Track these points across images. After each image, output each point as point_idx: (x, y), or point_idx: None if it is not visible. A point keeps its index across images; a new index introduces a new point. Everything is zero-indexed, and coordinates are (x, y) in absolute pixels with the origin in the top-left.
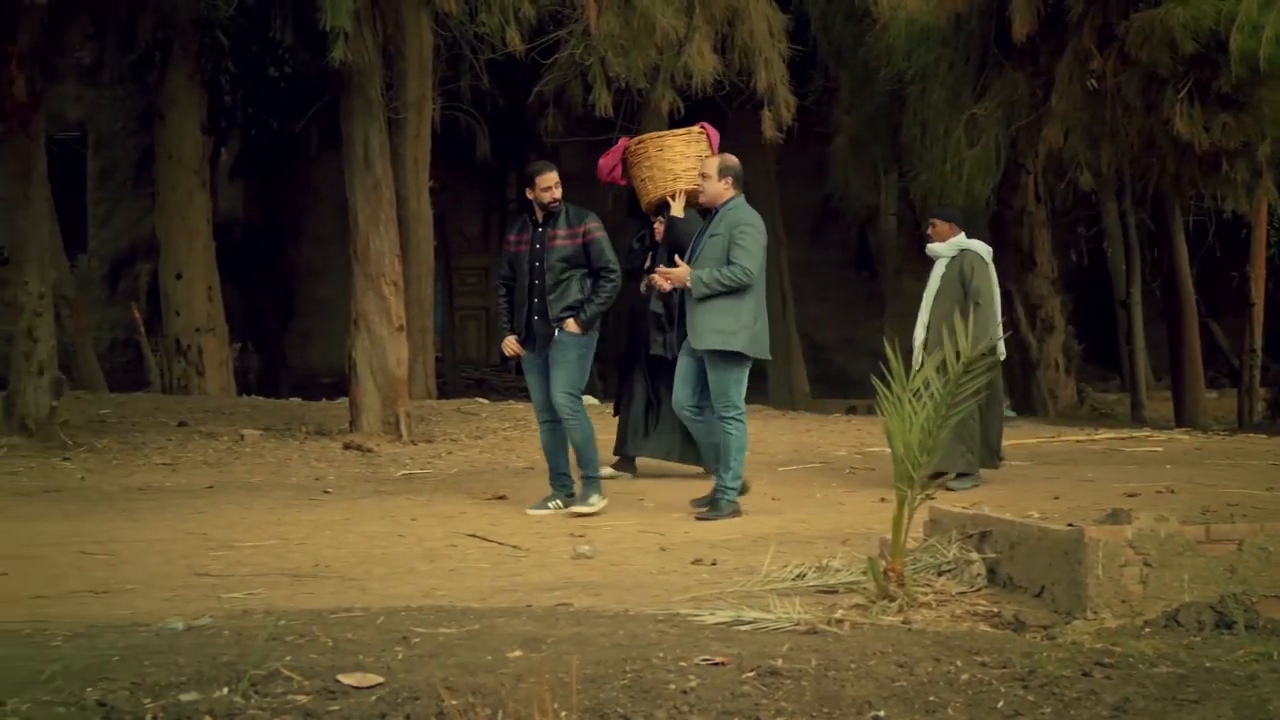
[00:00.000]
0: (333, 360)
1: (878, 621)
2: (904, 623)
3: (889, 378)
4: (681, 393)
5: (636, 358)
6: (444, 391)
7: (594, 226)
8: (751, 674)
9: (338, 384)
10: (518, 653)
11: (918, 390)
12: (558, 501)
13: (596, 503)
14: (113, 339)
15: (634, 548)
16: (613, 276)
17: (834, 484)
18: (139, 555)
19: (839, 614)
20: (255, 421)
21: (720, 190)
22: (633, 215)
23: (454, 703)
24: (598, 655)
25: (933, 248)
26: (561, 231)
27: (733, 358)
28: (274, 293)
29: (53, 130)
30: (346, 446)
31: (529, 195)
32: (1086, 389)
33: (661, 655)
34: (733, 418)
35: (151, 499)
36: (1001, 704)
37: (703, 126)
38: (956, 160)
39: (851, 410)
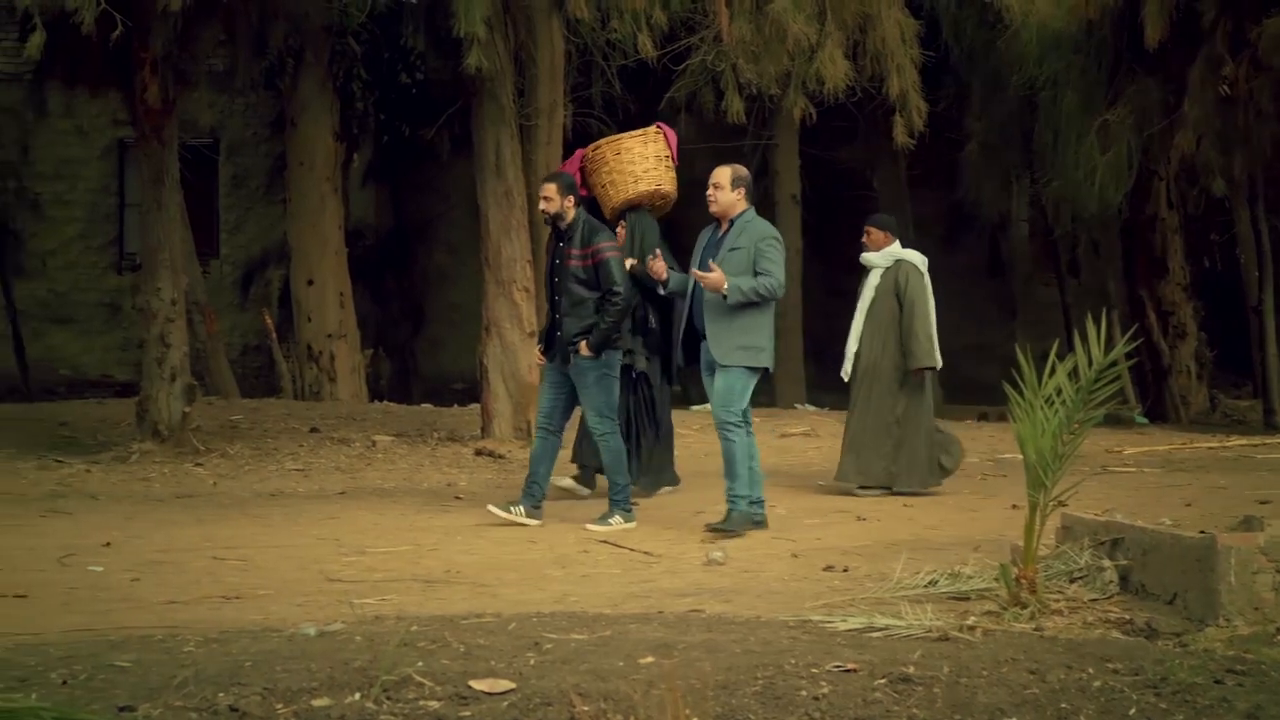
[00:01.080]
0: (464, 366)
1: (1010, 628)
2: (1036, 630)
3: (1020, 384)
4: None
5: None
6: None
7: (604, 245)
8: (883, 681)
9: (469, 390)
10: (649, 659)
11: (1049, 397)
12: (520, 509)
13: (617, 524)
14: (245, 345)
15: (766, 554)
16: (615, 300)
17: (966, 490)
18: (271, 561)
19: (971, 621)
20: (387, 427)
21: (733, 201)
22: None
23: (585, 709)
24: (729, 661)
25: (867, 257)
26: (575, 251)
27: (752, 371)
28: (405, 299)
29: (185, 137)
30: (478, 452)
31: None
32: (1219, 395)
33: (793, 662)
34: (734, 424)
35: (284, 505)
36: (1133, 711)
37: (659, 126)
38: (1089, 166)
39: (983, 417)
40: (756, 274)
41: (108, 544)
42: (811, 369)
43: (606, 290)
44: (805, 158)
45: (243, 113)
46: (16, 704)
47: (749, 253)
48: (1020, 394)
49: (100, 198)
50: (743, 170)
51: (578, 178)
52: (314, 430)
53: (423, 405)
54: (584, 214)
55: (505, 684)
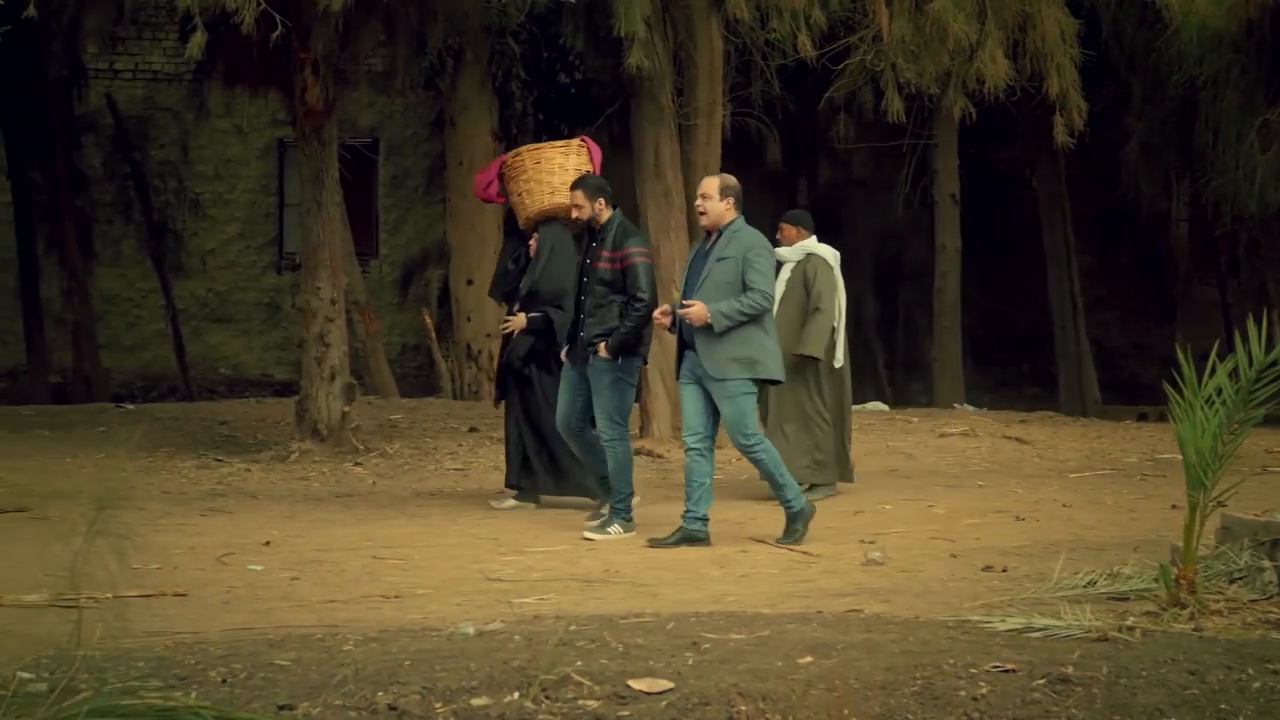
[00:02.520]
0: None
1: (1169, 629)
2: (1195, 630)
3: (1180, 384)
4: (696, 423)
5: (506, 387)
6: None
7: (634, 250)
8: (1042, 681)
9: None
10: (808, 659)
11: (1210, 397)
12: (616, 526)
13: (616, 532)
14: (404, 344)
15: (924, 554)
16: (638, 305)
17: (1125, 491)
18: (430, 560)
19: (1130, 621)
20: None
21: (722, 211)
22: (512, 234)
23: (744, 708)
24: (888, 661)
25: (779, 251)
26: (606, 253)
27: (749, 384)
28: None
29: (345, 137)
30: (637, 452)
31: None
32: None
33: (952, 662)
34: (754, 445)
35: (443, 504)
36: None
37: (583, 140)
38: (1248, 166)
39: (1143, 417)
40: (745, 286)
41: (267, 543)
42: (970, 369)
43: (631, 295)
44: (964, 157)
45: (402, 113)
46: (177, 703)
47: (737, 262)
48: (1180, 394)
49: (259, 197)
50: (731, 180)
51: (495, 184)
52: (473, 430)
53: None
54: (619, 216)
55: (664, 684)
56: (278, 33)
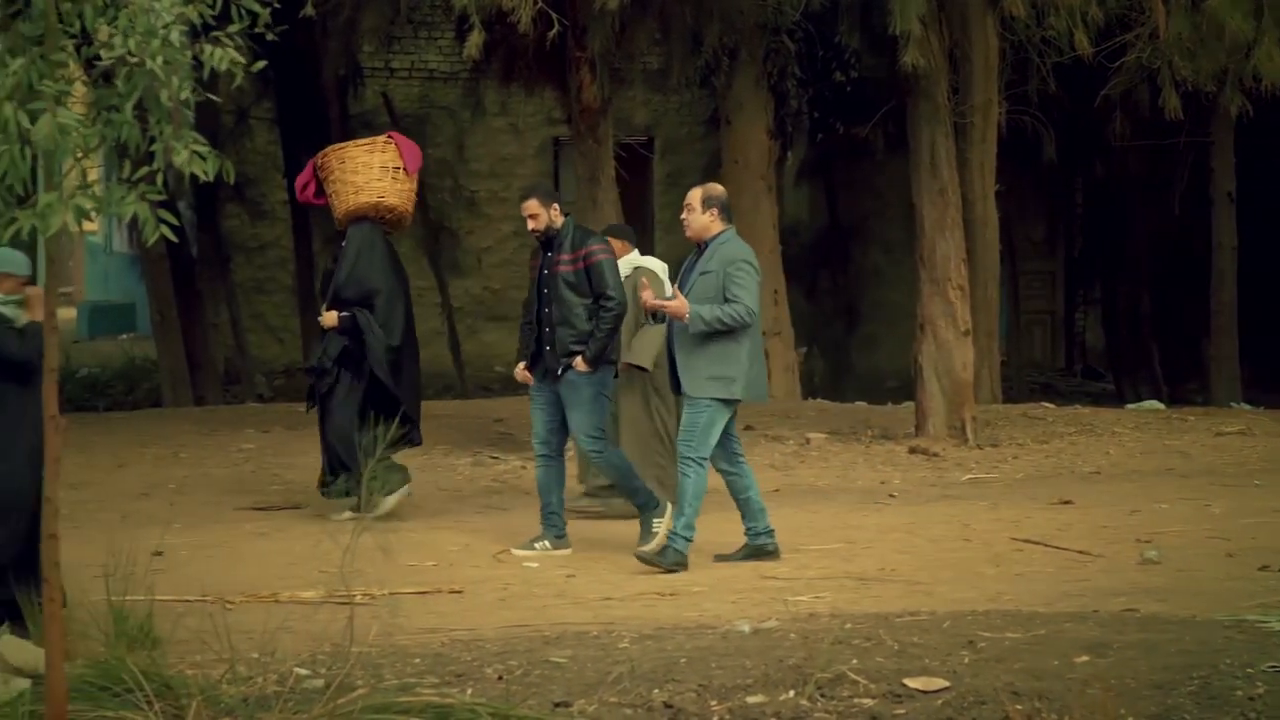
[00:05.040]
0: (899, 364)
1: None
2: None
3: None
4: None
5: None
6: (1009, 396)
7: (597, 249)
8: None
9: (903, 388)
10: (1084, 658)
11: None
12: (545, 542)
13: (661, 528)
14: None
15: (1200, 553)
16: (611, 305)
17: None
18: (706, 558)
19: None
20: (821, 425)
21: (706, 223)
22: (338, 234)
23: (1019, 708)
24: (1164, 661)
25: None
26: (566, 256)
27: (722, 404)
28: (840, 297)
29: (620, 135)
30: (912, 450)
31: None
32: None
33: (1229, 662)
34: (694, 460)
35: (717, 502)
36: None
37: (390, 136)
38: None
39: None
40: (726, 300)
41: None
42: (1249, 367)
43: (599, 295)
44: (1241, 155)
45: (677, 111)
46: (453, 700)
47: (719, 277)
48: None
49: None
50: (716, 189)
51: (312, 186)
52: (748, 428)
53: (856, 403)
54: (573, 220)
55: (939, 682)
56: (554, 31)
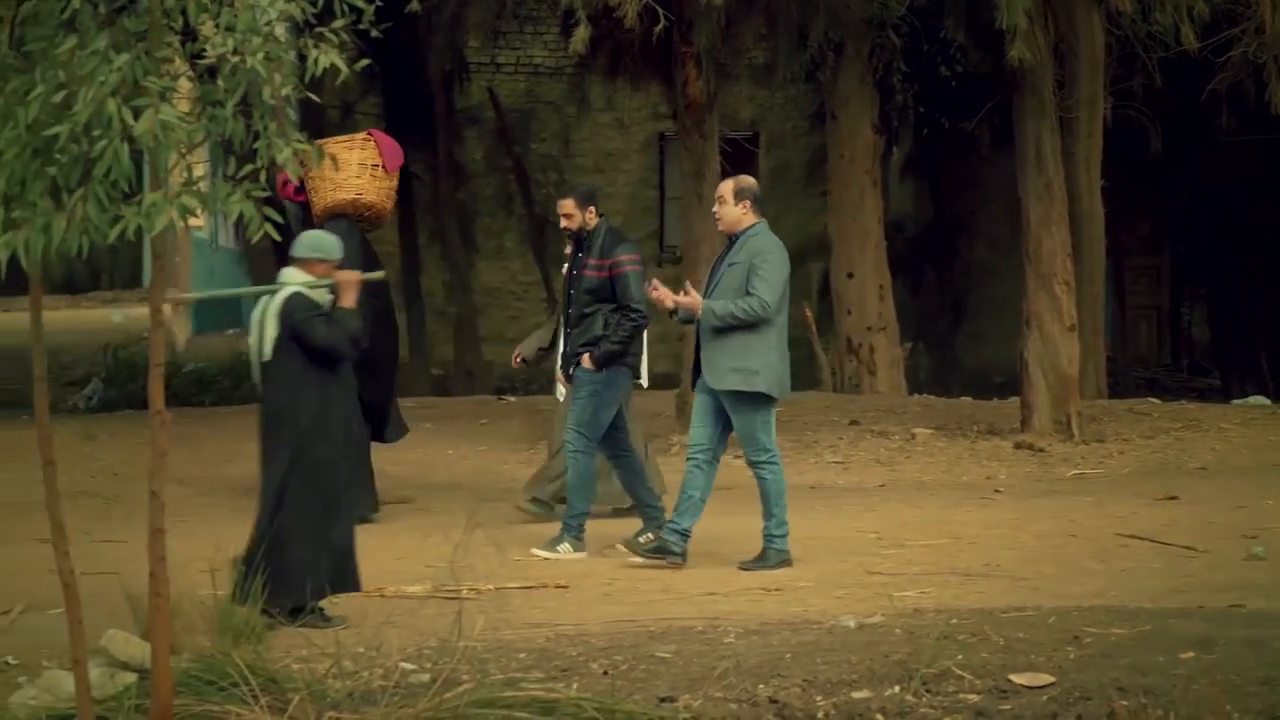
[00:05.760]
0: (1004, 360)
1: None
2: None
3: None
4: (700, 434)
5: None
6: (1115, 391)
7: (625, 259)
8: None
9: (1008, 383)
10: (1190, 654)
11: None
12: (648, 534)
13: (564, 551)
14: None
15: None
16: (633, 315)
17: None
18: (812, 553)
19: None
20: (926, 420)
21: (738, 216)
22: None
23: (1124, 704)
24: (1271, 657)
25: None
26: (593, 260)
27: (756, 399)
28: (946, 292)
29: (725, 129)
30: (1017, 446)
31: None
32: None
33: None
34: (765, 462)
35: (823, 497)
36: None
37: (369, 133)
38: None
39: None
40: (746, 293)
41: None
42: None
43: (624, 305)
44: None
45: (782, 106)
46: (559, 694)
47: (744, 269)
48: None
49: (640, 191)
50: (748, 181)
51: (292, 183)
52: (853, 423)
53: (962, 398)
54: (607, 223)
55: (1045, 678)
56: (660, 26)
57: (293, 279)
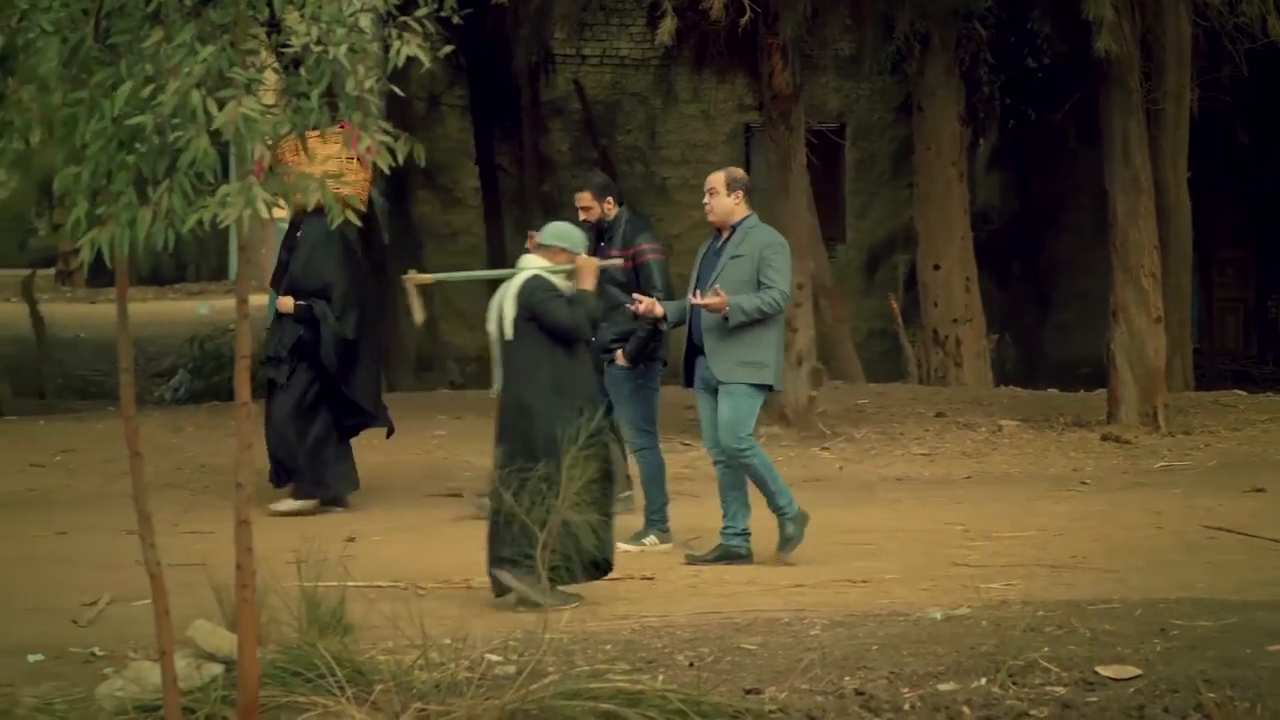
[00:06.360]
0: (1091, 352)
1: None
2: None
3: None
4: (712, 435)
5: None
6: (1201, 383)
7: (647, 248)
8: None
9: (1095, 375)
10: (1276, 646)
11: None
12: (651, 537)
13: (650, 543)
14: (870, 329)
15: None
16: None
17: None
18: (898, 545)
19: None
20: (1013, 412)
21: (730, 207)
22: (293, 224)
23: (1211, 696)
24: None
25: (526, 260)
26: (615, 251)
27: (756, 390)
28: (1032, 284)
29: (812, 121)
30: (1104, 438)
31: None
32: None
33: None
34: (747, 450)
35: (909, 489)
36: None
37: (343, 125)
38: None
39: None
40: (760, 284)
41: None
42: None
43: (647, 293)
44: None
45: (869, 97)
46: (644, 686)
47: (752, 260)
48: None
49: None
50: (738, 173)
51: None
52: (939, 415)
53: (1048, 390)
54: (627, 213)
55: (1132, 670)
56: (746, 18)
57: (532, 264)
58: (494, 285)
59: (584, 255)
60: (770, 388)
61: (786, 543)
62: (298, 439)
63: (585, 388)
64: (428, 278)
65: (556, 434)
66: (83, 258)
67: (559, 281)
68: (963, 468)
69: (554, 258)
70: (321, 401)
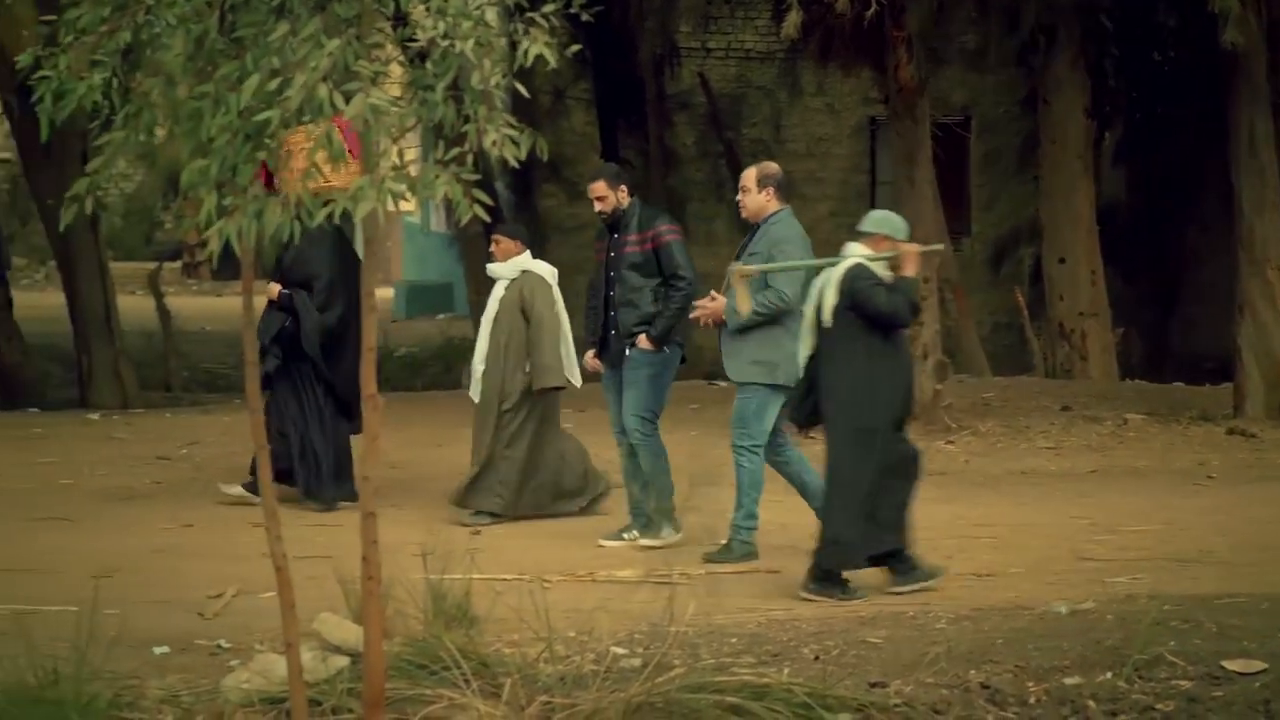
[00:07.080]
0: (1217, 346)
1: None
2: None
3: None
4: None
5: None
6: None
7: (665, 229)
8: None
9: (1221, 369)
10: None
11: None
12: (633, 532)
13: (668, 536)
14: (995, 322)
15: None
16: (682, 285)
17: None
18: (1023, 539)
19: None
20: (1138, 406)
21: (762, 203)
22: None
23: None
24: None
25: (493, 268)
26: (632, 237)
27: (771, 389)
28: (1158, 278)
29: (937, 114)
30: (1230, 432)
31: None
32: None
33: None
34: (747, 449)
35: (1035, 483)
36: None
37: (333, 121)
38: None
39: None
40: (766, 285)
41: None
42: None
43: (670, 275)
44: None
45: (994, 90)
46: (770, 679)
47: (763, 259)
48: None
49: (851, 176)
50: (771, 168)
51: (264, 175)
52: (1065, 408)
53: (1174, 384)
54: (638, 200)
55: (1258, 664)
56: (871, 10)
57: (856, 252)
58: None
59: (907, 242)
60: (787, 388)
61: (724, 551)
62: (297, 436)
63: (899, 378)
64: (752, 269)
65: (865, 424)
66: (211, 248)
67: (880, 269)
68: (1088, 462)
69: (876, 245)
70: (324, 400)
